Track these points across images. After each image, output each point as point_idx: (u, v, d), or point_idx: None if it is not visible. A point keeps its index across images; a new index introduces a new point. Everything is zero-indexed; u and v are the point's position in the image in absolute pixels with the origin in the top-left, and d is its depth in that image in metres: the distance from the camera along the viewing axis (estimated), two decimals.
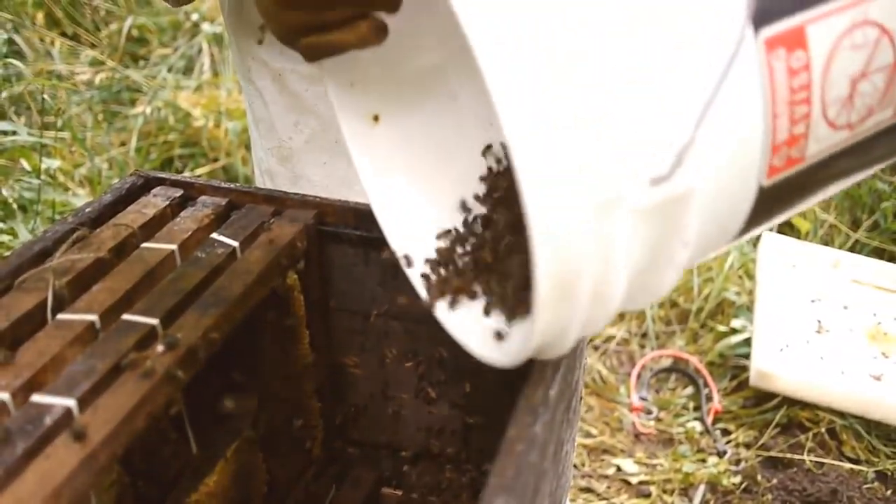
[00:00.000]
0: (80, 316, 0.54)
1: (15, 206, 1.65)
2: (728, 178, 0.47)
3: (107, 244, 0.61)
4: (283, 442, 0.75)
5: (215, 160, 2.33)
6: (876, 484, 1.61)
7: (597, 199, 0.42)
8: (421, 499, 0.78)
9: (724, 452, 1.67)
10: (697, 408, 1.79)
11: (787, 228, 2.13)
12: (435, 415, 0.75)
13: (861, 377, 1.66)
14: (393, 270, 0.61)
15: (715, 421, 1.76)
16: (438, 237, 0.60)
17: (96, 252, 0.60)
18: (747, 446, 1.70)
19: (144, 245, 0.63)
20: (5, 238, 1.55)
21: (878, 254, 2.07)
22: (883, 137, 0.55)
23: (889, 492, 1.60)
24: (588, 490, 1.63)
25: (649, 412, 1.78)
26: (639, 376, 1.86)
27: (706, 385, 1.82)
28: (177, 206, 0.69)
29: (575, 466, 1.66)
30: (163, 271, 0.61)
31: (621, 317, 2.03)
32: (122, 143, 2.33)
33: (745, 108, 0.46)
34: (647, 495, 1.61)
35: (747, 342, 1.83)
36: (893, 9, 0.50)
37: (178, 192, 0.69)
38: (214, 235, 0.65)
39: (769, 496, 1.58)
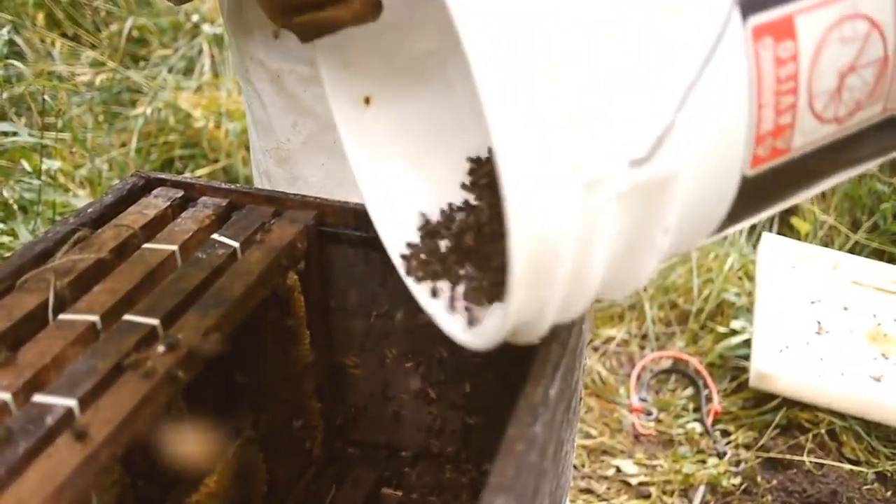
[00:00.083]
0: (81, 316, 0.54)
1: (15, 206, 1.66)
2: (710, 165, 0.47)
3: (108, 245, 0.61)
4: (283, 442, 0.75)
5: (216, 161, 2.34)
6: (876, 485, 1.61)
7: (575, 179, 0.42)
8: (421, 499, 0.78)
9: (724, 453, 1.67)
10: (697, 409, 1.79)
11: (787, 230, 2.13)
12: (435, 415, 0.75)
13: (861, 378, 1.67)
14: (393, 271, 0.61)
15: (715, 422, 1.76)
16: (422, 221, 0.61)
17: (97, 253, 0.60)
18: (747, 447, 1.70)
19: (145, 246, 0.63)
20: (6, 239, 1.55)
21: (878, 255, 2.07)
22: (872, 134, 0.54)
23: (889, 493, 1.60)
24: (588, 491, 1.63)
25: (649, 413, 1.78)
26: (638, 377, 1.87)
27: (706, 386, 1.83)
28: (177, 207, 0.69)
29: (575, 467, 1.66)
30: (164, 272, 0.61)
31: (621, 318, 2.03)
32: (123, 144, 2.33)
33: (729, 94, 0.46)
34: (647, 496, 1.61)
35: (747, 343, 1.83)
36: (885, 2, 0.50)
37: (179, 193, 0.70)
38: (215, 236, 0.65)
39: (769, 497, 1.58)
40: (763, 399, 1.76)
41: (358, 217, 0.69)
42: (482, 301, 0.54)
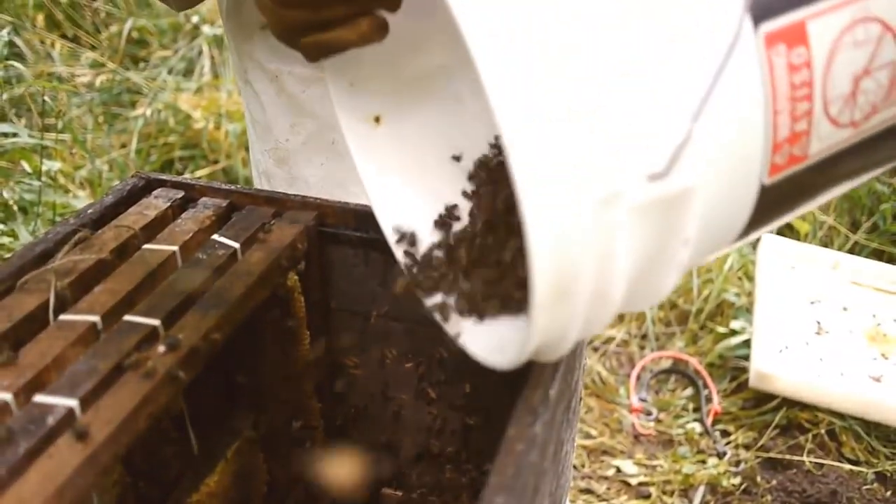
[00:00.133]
0: (81, 317, 0.54)
1: (15, 207, 1.66)
2: (728, 176, 0.47)
3: (108, 245, 0.62)
4: (283, 442, 0.75)
5: (215, 162, 2.34)
6: (875, 485, 1.61)
7: (593, 195, 0.41)
8: (421, 499, 0.79)
9: (724, 453, 1.67)
10: (697, 409, 1.80)
11: (787, 230, 2.14)
12: (435, 415, 0.76)
13: (860, 378, 1.67)
14: (393, 272, 0.61)
15: (714, 422, 1.76)
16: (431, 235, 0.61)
17: (98, 253, 0.60)
18: (747, 447, 1.70)
19: (146, 246, 0.63)
20: (6, 240, 1.55)
21: (878, 255, 2.07)
22: (889, 137, 0.54)
23: (888, 493, 1.60)
24: (588, 491, 1.63)
25: (649, 413, 1.78)
26: (638, 377, 1.87)
27: (706, 386, 1.83)
28: (178, 208, 0.69)
29: (575, 467, 1.66)
30: (164, 272, 0.61)
31: (621, 318, 2.03)
32: (123, 145, 2.33)
33: (744, 103, 0.46)
34: (647, 496, 1.61)
35: (747, 343, 1.83)
36: None
37: (179, 194, 0.70)
38: (215, 237, 0.65)
39: (769, 497, 1.58)
40: (763, 399, 1.76)
41: (358, 218, 0.70)
42: (479, 313, 0.54)
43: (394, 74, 0.61)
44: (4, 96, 2.03)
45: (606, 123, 0.42)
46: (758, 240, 1.98)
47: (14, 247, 1.52)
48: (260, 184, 0.99)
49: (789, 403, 1.72)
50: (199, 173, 2.29)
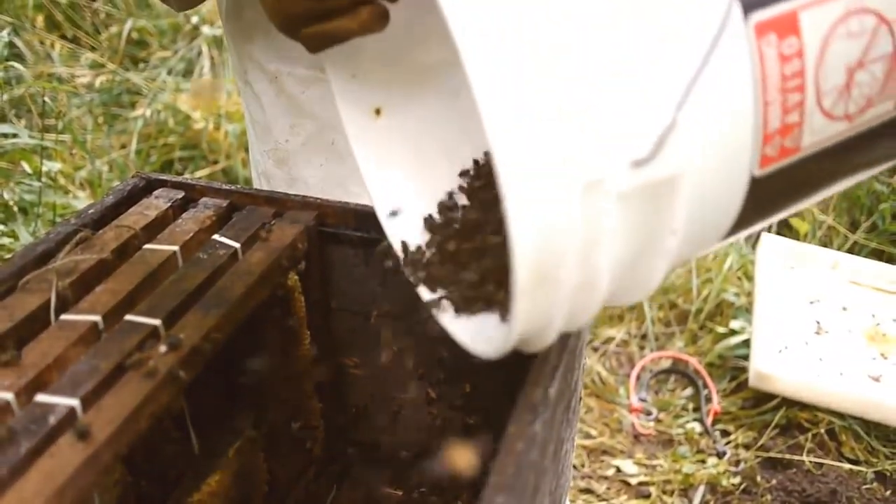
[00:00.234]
0: (83, 317, 0.54)
1: (16, 208, 1.66)
2: (717, 165, 0.46)
3: (109, 245, 0.62)
4: (283, 442, 0.75)
5: (215, 163, 2.34)
6: (875, 484, 1.61)
7: (576, 182, 0.41)
8: (421, 499, 0.79)
9: (724, 453, 1.68)
10: (697, 409, 1.80)
11: (786, 230, 2.14)
12: (435, 415, 0.76)
13: (860, 378, 1.67)
14: (393, 272, 0.61)
15: (714, 422, 1.76)
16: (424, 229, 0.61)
17: (99, 253, 0.60)
18: (746, 447, 1.70)
19: (146, 246, 0.63)
20: (6, 241, 1.55)
21: (877, 255, 2.07)
22: (886, 133, 0.53)
23: (888, 492, 1.60)
24: (588, 491, 1.63)
25: (649, 413, 1.78)
26: (638, 377, 1.87)
27: (705, 386, 1.83)
28: (178, 208, 0.69)
29: (574, 467, 1.66)
30: (165, 272, 0.61)
31: (620, 318, 2.03)
32: (123, 146, 2.33)
33: (733, 92, 0.45)
34: (647, 496, 1.61)
35: (746, 343, 1.83)
36: None
37: (180, 194, 0.70)
38: (216, 237, 0.65)
39: (768, 497, 1.58)
40: (762, 399, 1.76)
41: (358, 218, 0.70)
42: (470, 309, 0.54)
43: (395, 67, 0.61)
44: (4, 97, 2.03)
45: (597, 122, 0.42)
46: (757, 239, 1.98)
47: (14, 247, 1.52)
48: (260, 184, 0.99)
49: (789, 403, 1.72)
50: (198, 174, 2.29)
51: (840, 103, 0.49)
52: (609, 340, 1.98)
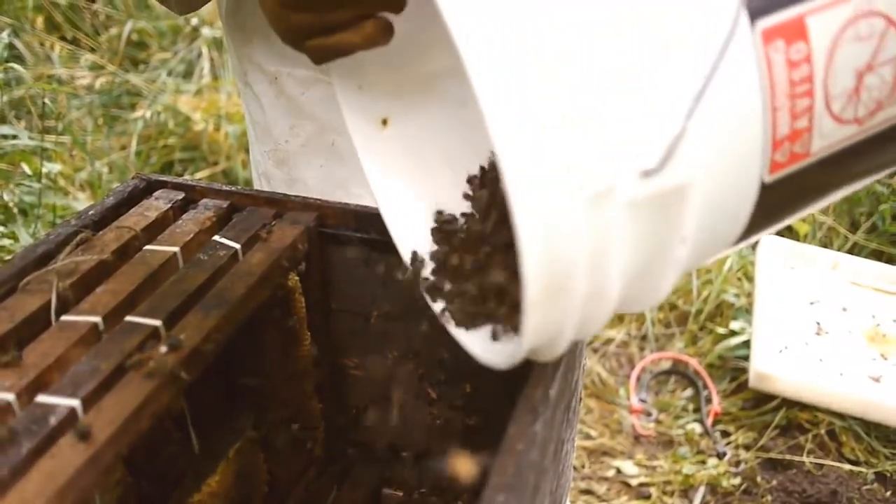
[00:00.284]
0: (83, 317, 0.55)
1: (16, 210, 1.66)
2: (727, 173, 0.46)
3: (110, 246, 0.62)
4: (284, 442, 0.75)
5: (215, 164, 2.34)
6: (875, 485, 1.61)
7: (585, 192, 0.41)
8: (421, 499, 0.79)
9: (724, 454, 1.68)
10: (697, 410, 1.80)
11: (786, 231, 2.14)
12: (435, 415, 0.76)
13: (860, 379, 1.67)
14: (393, 272, 0.61)
15: (714, 423, 1.76)
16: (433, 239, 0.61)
17: (99, 254, 0.60)
18: (747, 448, 1.70)
19: (147, 247, 0.63)
20: (6, 242, 1.55)
21: (877, 256, 2.07)
22: (895, 135, 0.53)
23: (888, 493, 1.60)
24: (588, 492, 1.63)
25: (649, 414, 1.78)
26: (638, 378, 1.87)
27: (705, 387, 1.83)
28: (178, 209, 0.69)
29: (575, 468, 1.66)
30: (165, 273, 0.61)
31: (620, 319, 2.03)
32: (123, 147, 2.34)
33: (741, 99, 0.45)
34: (647, 497, 1.61)
35: (746, 344, 1.84)
36: None
37: (180, 195, 0.70)
38: (216, 238, 0.65)
39: (769, 497, 1.58)
40: (762, 399, 1.76)
41: (359, 218, 0.70)
42: (472, 323, 0.54)
43: (400, 78, 0.61)
44: (4, 98, 2.03)
45: (601, 129, 0.42)
46: (757, 240, 1.98)
47: (14, 249, 1.52)
48: (260, 185, 0.99)
49: (789, 404, 1.72)
50: (198, 175, 2.29)
51: (849, 107, 0.49)
52: (609, 341, 1.98)
